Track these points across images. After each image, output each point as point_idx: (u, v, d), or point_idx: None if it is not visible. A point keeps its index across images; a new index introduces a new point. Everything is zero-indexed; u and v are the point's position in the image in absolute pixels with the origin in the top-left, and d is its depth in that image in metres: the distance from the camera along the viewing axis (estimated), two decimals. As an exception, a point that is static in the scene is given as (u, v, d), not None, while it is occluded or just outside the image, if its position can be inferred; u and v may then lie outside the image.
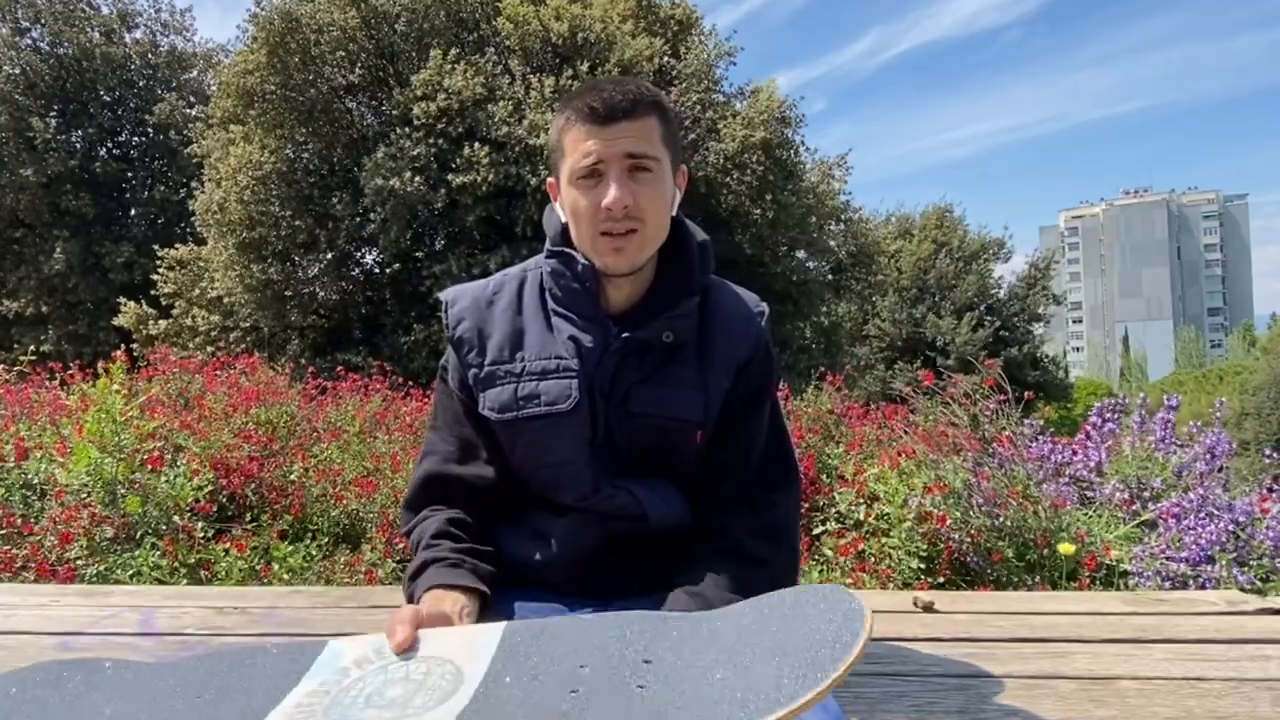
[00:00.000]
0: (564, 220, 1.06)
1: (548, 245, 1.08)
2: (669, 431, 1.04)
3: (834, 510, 2.75)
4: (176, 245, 16.02)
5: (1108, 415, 2.83)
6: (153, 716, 0.76)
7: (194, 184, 15.92)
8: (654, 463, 1.06)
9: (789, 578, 1.05)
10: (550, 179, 1.10)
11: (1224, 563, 2.09)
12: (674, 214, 1.06)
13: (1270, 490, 2.50)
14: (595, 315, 1.05)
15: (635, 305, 1.07)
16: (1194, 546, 2.12)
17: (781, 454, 1.10)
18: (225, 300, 14.98)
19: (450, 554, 0.99)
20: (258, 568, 2.57)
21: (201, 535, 2.60)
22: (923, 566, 2.38)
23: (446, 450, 1.10)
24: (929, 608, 1.53)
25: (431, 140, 13.62)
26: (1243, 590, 1.93)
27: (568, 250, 1.04)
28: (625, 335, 1.03)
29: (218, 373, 4.70)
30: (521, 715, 0.68)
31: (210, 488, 2.84)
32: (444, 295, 1.14)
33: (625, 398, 1.04)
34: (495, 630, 0.79)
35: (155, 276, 15.93)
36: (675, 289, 1.06)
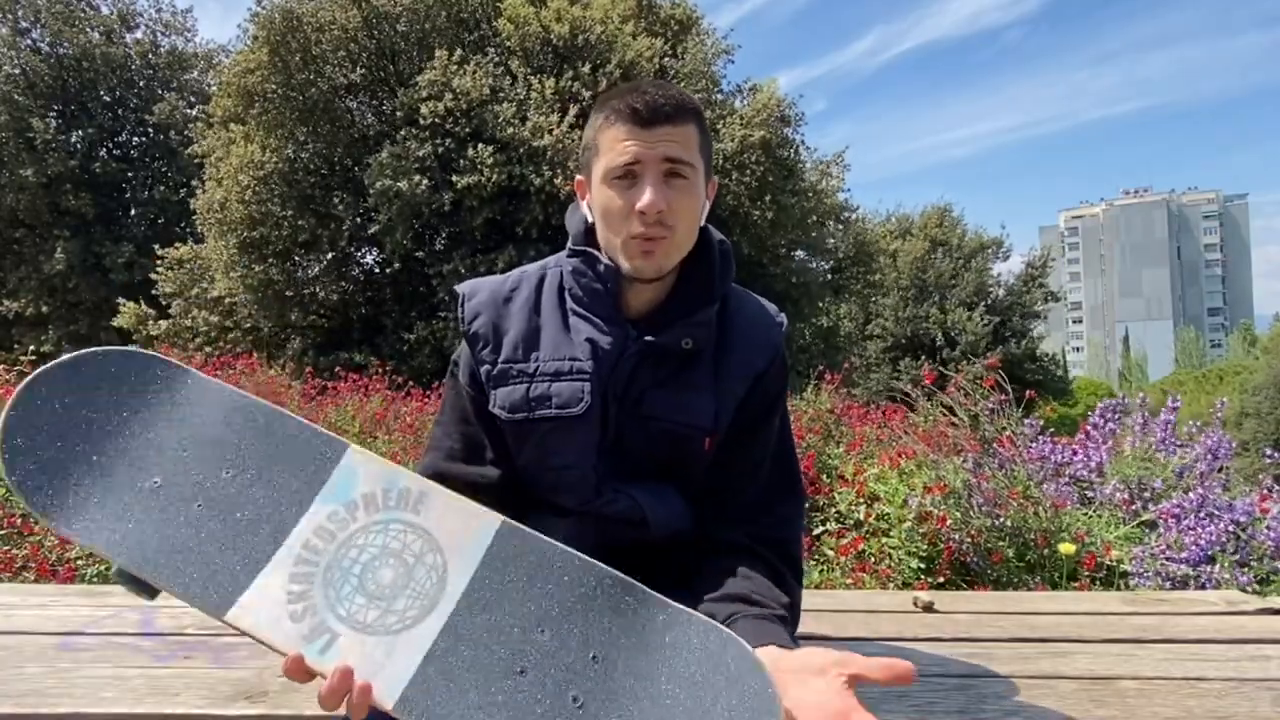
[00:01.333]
0: (590, 219, 1.04)
1: (570, 244, 1.06)
2: (680, 437, 1.03)
3: (834, 510, 2.75)
4: (176, 245, 16.00)
5: (1109, 416, 2.83)
6: (213, 445, 0.81)
7: (194, 184, 15.90)
8: (661, 468, 1.05)
9: (795, 586, 1.04)
10: (579, 176, 1.07)
11: (1224, 563, 2.09)
12: (701, 224, 1.04)
13: (1270, 490, 2.50)
14: (614, 317, 1.03)
15: (654, 310, 1.05)
16: (1194, 547, 2.12)
17: (788, 464, 1.09)
18: (225, 300, 14.97)
19: None
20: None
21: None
22: (923, 566, 2.38)
23: (449, 447, 1.08)
24: (929, 608, 1.53)
25: (438, 140, 13.60)
26: (1243, 590, 1.93)
27: (590, 250, 1.03)
28: (645, 340, 1.02)
29: (218, 373, 4.71)
30: (474, 673, 0.72)
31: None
32: (460, 288, 1.11)
33: (638, 401, 1.03)
34: (488, 531, 0.80)
35: (155, 276, 15.90)
36: (696, 296, 1.04)
